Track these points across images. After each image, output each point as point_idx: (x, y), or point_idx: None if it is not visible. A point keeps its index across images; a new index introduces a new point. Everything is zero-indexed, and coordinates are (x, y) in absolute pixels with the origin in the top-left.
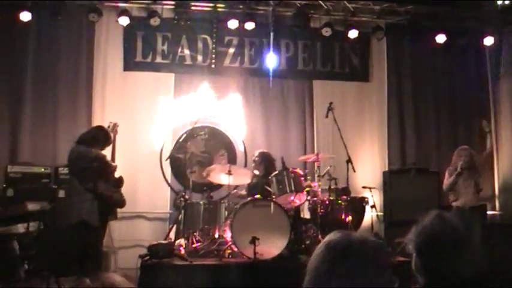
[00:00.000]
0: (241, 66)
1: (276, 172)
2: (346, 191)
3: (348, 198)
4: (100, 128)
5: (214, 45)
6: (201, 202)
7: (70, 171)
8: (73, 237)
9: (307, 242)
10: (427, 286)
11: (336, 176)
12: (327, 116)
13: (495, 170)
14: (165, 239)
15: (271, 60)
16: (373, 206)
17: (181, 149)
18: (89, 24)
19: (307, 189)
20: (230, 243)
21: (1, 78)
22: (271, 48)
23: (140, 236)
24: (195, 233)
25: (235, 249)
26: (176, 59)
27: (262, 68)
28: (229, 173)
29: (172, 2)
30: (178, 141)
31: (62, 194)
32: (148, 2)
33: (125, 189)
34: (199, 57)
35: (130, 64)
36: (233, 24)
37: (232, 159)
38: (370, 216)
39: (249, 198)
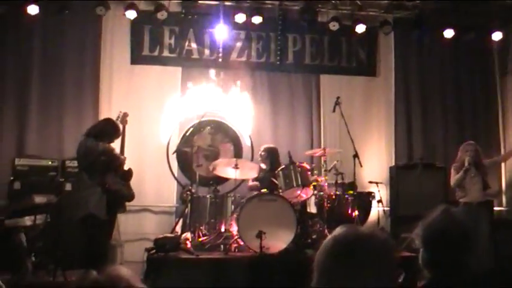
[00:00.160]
0: (248, 60)
1: (283, 166)
2: (352, 185)
3: (355, 193)
4: (109, 121)
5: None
6: (208, 196)
7: (78, 164)
8: (80, 230)
9: (314, 237)
10: (434, 281)
11: (343, 170)
12: (334, 111)
13: (502, 166)
14: (171, 233)
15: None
16: (379, 201)
17: (187, 142)
18: (96, 18)
19: (313, 183)
20: (236, 237)
21: (8, 72)
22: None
23: (146, 229)
24: (201, 227)
25: (242, 243)
26: (183, 53)
27: (269, 62)
28: (236, 167)
29: None
30: (185, 135)
31: (68, 187)
32: None
33: (131, 183)
34: (207, 51)
35: (137, 58)
36: (240, 18)
37: (238, 153)
38: (376, 211)
39: (255, 192)
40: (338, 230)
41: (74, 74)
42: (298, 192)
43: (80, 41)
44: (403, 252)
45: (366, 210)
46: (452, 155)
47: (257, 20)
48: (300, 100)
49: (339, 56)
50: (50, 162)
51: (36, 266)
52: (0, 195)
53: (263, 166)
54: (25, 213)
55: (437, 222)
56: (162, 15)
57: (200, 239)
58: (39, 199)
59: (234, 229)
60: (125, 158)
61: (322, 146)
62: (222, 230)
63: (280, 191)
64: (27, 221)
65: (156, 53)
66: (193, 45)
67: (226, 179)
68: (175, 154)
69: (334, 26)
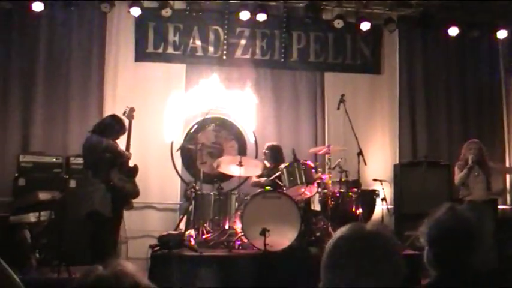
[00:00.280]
0: (252, 58)
1: (287, 164)
2: (356, 183)
3: (359, 191)
4: (114, 117)
5: (225, 37)
6: (212, 193)
7: (83, 161)
8: (85, 227)
9: (318, 234)
10: (439, 279)
11: (347, 168)
12: (338, 108)
13: (507, 163)
14: (176, 230)
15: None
16: (383, 199)
17: (192, 140)
18: (101, 15)
19: (317, 181)
20: (240, 234)
21: (13, 69)
22: (283, 40)
23: (150, 226)
24: (205, 224)
25: (245, 241)
26: (188, 50)
27: (273, 60)
28: (240, 164)
29: None
30: (189, 132)
31: (73, 183)
32: None
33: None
34: (211, 49)
35: (141, 55)
36: (245, 15)
37: (242, 151)
38: (380, 209)
39: (259, 190)
40: (343, 229)
41: (78, 71)
42: (302, 189)
43: (84, 38)
44: (407, 250)
45: (369, 208)
46: (456, 152)
47: (261, 17)
48: (304, 97)
49: (344, 54)
50: (54, 159)
51: (41, 262)
52: (4, 191)
53: (267, 164)
54: (29, 209)
55: (443, 220)
56: (166, 12)
57: (204, 236)
58: (43, 196)
59: (238, 226)
60: (131, 154)
61: (326, 144)
62: (226, 227)
63: (284, 188)
64: (32, 217)
65: (160, 50)
66: (198, 43)
67: (230, 176)
68: (179, 151)
69: (338, 24)
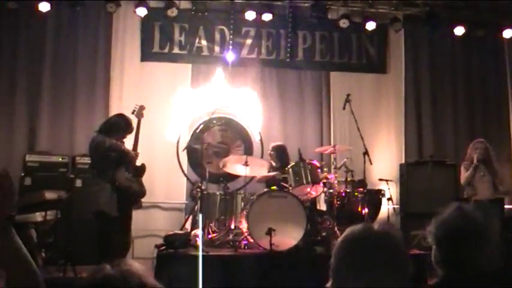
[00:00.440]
0: (258, 57)
1: (293, 163)
2: (362, 183)
3: (365, 191)
4: (120, 116)
5: (231, 36)
6: (218, 193)
7: (90, 160)
8: (91, 226)
9: (323, 234)
10: (446, 278)
11: (353, 168)
12: (344, 108)
13: None
14: (181, 229)
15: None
16: (389, 199)
17: (197, 139)
18: (107, 15)
19: (323, 181)
20: (246, 234)
21: (20, 68)
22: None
23: (156, 226)
24: (211, 224)
25: (251, 240)
26: (193, 50)
27: (279, 59)
28: (246, 164)
29: None
30: (195, 131)
31: (79, 183)
32: None
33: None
34: (217, 48)
35: (147, 55)
36: (250, 15)
37: (248, 150)
38: (386, 208)
39: (265, 189)
40: (351, 230)
41: (84, 70)
42: (308, 189)
43: (90, 38)
44: (414, 250)
45: (375, 207)
46: (462, 152)
47: (267, 17)
48: (309, 97)
49: (349, 53)
50: (60, 159)
51: (47, 262)
52: None
53: (273, 163)
54: (36, 209)
55: (451, 219)
56: (172, 12)
57: (210, 236)
58: (49, 195)
59: (244, 226)
60: (138, 153)
61: (332, 143)
62: (232, 227)
63: (290, 188)
64: (38, 216)
65: (166, 50)
66: (204, 42)
67: (236, 176)
68: (185, 151)
69: (344, 23)
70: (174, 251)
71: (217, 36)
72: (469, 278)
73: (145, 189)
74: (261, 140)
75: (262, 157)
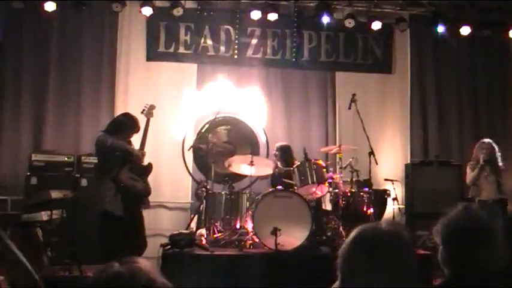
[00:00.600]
0: (263, 57)
1: (298, 163)
2: (368, 183)
3: (370, 191)
4: (126, 115)
5: (237, 36)
6: (223, 192)
7: (97, 160)
8: (96, 226)
9: (329, 234)
10: (453, 278)
11: (358, 168)
12: (349, 108)
13: None
14: (187, 229)
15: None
16: (394, 199)
17: (203, 139)
18: (112, 14)
19: (329, 180)
20: (251, 233)
21: (26, 68)
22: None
23: (161, 225)
24: (216, 223)
25: (257, 240)
26: (199, 50)
27: (284, 59)
28: (251, 163)
29: None
30: (200, 131)
31: (84, 182)
32: None
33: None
34: (222, 48)
35: (153, 54)
36: (256, 15)
37: (254, 150)
38: (391, 208)
39: (270, 189)
40: (360, 230)
41: (90, 70)
42: (314, 189)
43: (96, 37)
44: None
45: (381, 207)
46: (468, 152)
47: (272, 17)
48: (315, 97)
49: (355, 53)
50: (66, 158)
51: (52, 261)
52: (17, 190)
53: (278, 163)
54: (41, 208)
55: (458, 219)
56: (178, 11)
57: (215, 236)
58: (55, 194)
59: (249, 226)
60: (144, 152)
61: (337, 143)
62: (237, 226)
63: (295, 187)
64: (44, 215)
65: (171, 50)
66: (209, 42)
67: (242, 176)
68: (190, 150)
69: (349, 23)
70: (179, 250)
71: (222, 35)
72: (476, 278)
73: (151, 188)
74: (266, 139)
75: (267, 157)
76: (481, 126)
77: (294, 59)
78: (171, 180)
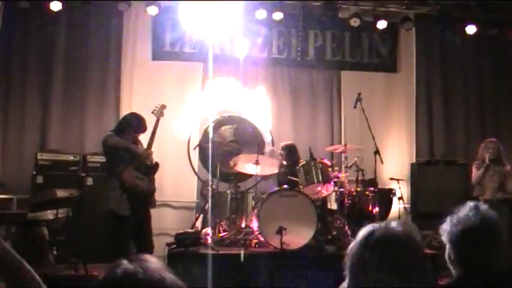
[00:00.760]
0: (269, 56)
1: (304, 162)
2: (373, 182)
3: (375, 190)
4: (133, 115)
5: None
6: (228, 191)
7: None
8: (102, 224)
9: (334, 233)
10: (460, 277)
11: (364, 167)
12: (355, 107)
13: None
14: (192, 228)
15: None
16: (400, 198)
17: (208, 138)
18: (118, 14)
19: (334, 179)
20: (257, 232)
21: (31, 68)
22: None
23: (167, 224)
24: (221, 223)
25: (262, 239)
26: (204, 49)
27: (290, 58)
28: (257, 162)
29: None
30: (206, 130)
31: (90, 181)
32: None
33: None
34: (228, 47)
35: (158, 53)
36: (261, 14)
37: (259, 149)
38: (397, 208)
39: (276, 188)
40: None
41: (95, 69)
42: (319, 188)
43: (102, 37)
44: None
45: (386, 207)
46: (474, 152)
47: (278, 16)
48: (320, 96)
49: (360, 52)
50: (71, 157)
51: (58, 259)
52: (23, 189)
53: (284, 162)
54: (47, 207)
55: (466, 219)
56: None
57: (220, 235)
58: (61, 193)
59: (255, 225)
60: (150, 151)
61: (342, 142)
62: (243, 225)
63: (301, 187)
64: (50, 214)
65: (177, 49)
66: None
67: (247, 175)
68: (196, 149)
69: (355, 22)
70: (184, 249)
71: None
72: (483, 277)
73: (155, 187)
74: (272, 139)
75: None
76: (486, 125)
77: (299, 58)
78: (177, 179)
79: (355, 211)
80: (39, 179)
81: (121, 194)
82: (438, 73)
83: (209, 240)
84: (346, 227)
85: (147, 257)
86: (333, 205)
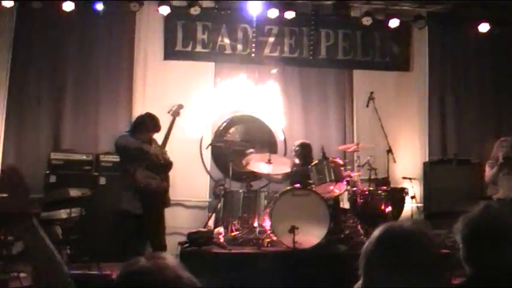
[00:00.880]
0: (281, 56)
1: (316, 161)
2: (386, 181)
3: (388, 189)
4: (147, 115)
5: (254, 35)
6: (241, 191)
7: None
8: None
9: (346, 232)
10: (474, 277)
11: (376, 166)
12: (367, 106)
13: None
14: (204, 227)
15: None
16: (413, 197)
17: (221, 137)
18: (130, 14)
19: (346, 179)
20: (269, 232)
21: (44, 68)
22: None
23: (179, 223)
24: (234, 222)
25: (274, 238)
26: (216, 48)
27: (301, 57)
28: (269, 162)
29: None
30: (218, 129)
31: (102, 181)
32: None
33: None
34: (239, 47)
35: (170, 53)
36: (273, 13)
37: (272, 148)
38: (409, 207)
39: (288, 187)
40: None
41: (108, 69)
42: (331, 187)
43: (114, 37)
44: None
45: (399, 206)
46: (487, 150)
47: (290, 15)
48: (332, 95)
49: (372, 51)
50: (84, 157)
51: (71, 258)
52: (36, 188)
53: (296, 161)
54: (60, 206)
55: (480, 218)
56: (195, 10)
57: (233, 234)
58: (74, 192)
59: (267, 224)
60: (163, 151)
61: (355, 141)
62: (255, 224)
63: (313, 186)
64: (63, 213)
65: (189, 49)
66: (226, 41)
67: (260, 175)
68: (208, 149)
69: (367, 21)
70: (197, 248)
71: (239, 34)
72: (497, 277)
73: (166, 186)
74: (284, 138)
75: (285, 155)
76: (500, 124)
77: (311, 57)
78: (189, 178)
79: (367, 210)
80: (52, 179)
81: (133, 194)
82: (451, 71)
83: (221, 240)
84: (359, 226)
85: (164, 255)
86: (346, 204)
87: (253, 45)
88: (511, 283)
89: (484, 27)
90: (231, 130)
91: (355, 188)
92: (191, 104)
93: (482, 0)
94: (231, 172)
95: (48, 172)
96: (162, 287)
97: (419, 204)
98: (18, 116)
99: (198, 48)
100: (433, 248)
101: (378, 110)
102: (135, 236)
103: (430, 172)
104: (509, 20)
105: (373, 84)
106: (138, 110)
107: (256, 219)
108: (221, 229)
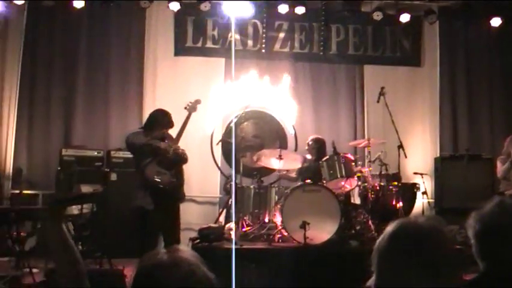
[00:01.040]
0: (291, 51)
1: (327, 157)
2: (397, 176)
3: (399, 184)
4: (159, 111)
5: (264, 30)
6: (252, 186)
7: None
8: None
9: (358, 228)
10: (485, 273)
11: (387, 161)
12: (378, 101)
13: None
14: (215, 223)
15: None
16: (424, 193)
17: (231, 133)
18: (140, 10)
19: (358, 174)
20: (280, 227)
21: (55, 65)
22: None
23: (191, 219)
24: (245, 217)
25: (285, 234)
26: (226, 44)
27: (312, 53)
28: (280, 157)
29: None
30: (228, 125)
31: (114, 177)
32: None
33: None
34: (250, 42)
35: (180, 49)
36: (283, 8)
37: (283, 144)
38: (421, 202)
39: (299, 183)
40: (399, 225)
41: (118, 66)
42: (342, 183)
43: (124, 33)
44: None
45: (410, 201)
46: (499, 146)
47: (300, 10)
48: (343, 90)
49: (383, 46)
50: (95, 153)
51: (83, 254)
52: (47, 184)
53: (308, 156)
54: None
55: (492, 214)
56: (205, 6)
57: (244, 230)
58: (85, 189)
59: (278, 219)
60: (174, 146)
61: (366, 137)
62: (266, 220)
63: (324, 181)
64: (75, 210)
65: (199, 44)
66: (237, 36)
67: (270, 170)
68: (219, 145)
69: (378, 16)
70: (208, 244)
71: (250, 30)
72: (508, 273)
73: (180, 181)
74: (295, 133)
75: (296, 151)
76: None
77: (321, 53)
78: (200, 174)
79: (378, 206)
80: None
81: (145, 190)
82: (462, 66)
83: (232, 235)
84: (370, 222)
85: (183, 248)
86: (357, 200)
87: (264, 40)
88: None
89: (495, 22)
90: (242, 126)
91: (366, 184)
92: (202, 99)
93: None
94: (241, 168)
95: (59, 168)
96: (179, 280)
97: (431, 200)
98: (29, 113)
99: (209, 44)
100: (449, 245)
101: (388, 106)
102: (149, 232)
103: (442, 168)
104: None
105: (384, 80)
106: (148, 106)
107: (267, 215)
108: (232, 225)
